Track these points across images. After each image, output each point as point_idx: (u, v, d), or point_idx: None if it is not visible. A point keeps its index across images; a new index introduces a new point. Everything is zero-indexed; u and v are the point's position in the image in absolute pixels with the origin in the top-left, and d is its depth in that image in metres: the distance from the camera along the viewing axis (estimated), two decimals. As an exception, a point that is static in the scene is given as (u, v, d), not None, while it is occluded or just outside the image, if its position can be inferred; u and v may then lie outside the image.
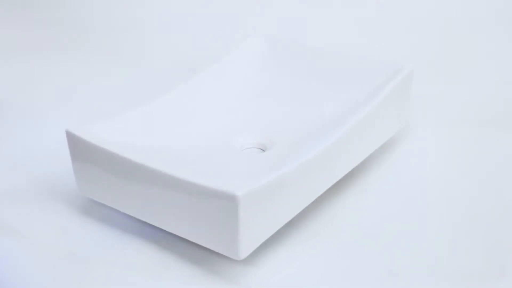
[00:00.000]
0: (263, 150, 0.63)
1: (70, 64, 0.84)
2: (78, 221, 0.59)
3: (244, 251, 0.50)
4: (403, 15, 0.89)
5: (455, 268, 0.54)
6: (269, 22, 0.89)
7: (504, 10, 0.88)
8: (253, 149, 0.63)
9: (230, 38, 0.87)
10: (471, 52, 0.84)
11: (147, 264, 0.54)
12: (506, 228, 0.58)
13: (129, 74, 0.82)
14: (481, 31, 0.87)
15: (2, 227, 0.58)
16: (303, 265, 0.55)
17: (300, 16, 0.90)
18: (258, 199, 0.49)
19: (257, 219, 0.50)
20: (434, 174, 0.64)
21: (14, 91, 0.79)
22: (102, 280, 0.53)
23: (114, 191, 0.56)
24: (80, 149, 0.56)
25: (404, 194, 0.62)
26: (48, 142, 0.69)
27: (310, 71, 0.68)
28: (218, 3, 0.92)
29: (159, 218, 0.54)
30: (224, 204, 0.48)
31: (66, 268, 0.54)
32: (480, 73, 0.81)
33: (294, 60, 0.69)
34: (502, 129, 0.71)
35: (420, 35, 0.87)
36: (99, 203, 0.60)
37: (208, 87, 0.66)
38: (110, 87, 0.79)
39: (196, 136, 0.63)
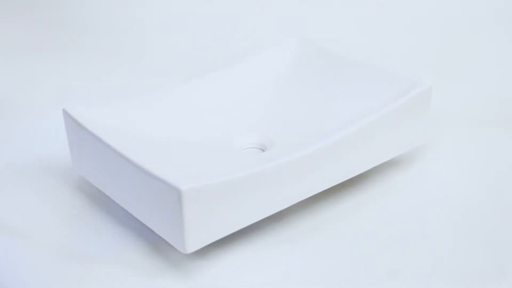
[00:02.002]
0: (263, 151, 0.63)
1: (70, 64, 0.84)
2: (73, 207, 0.60)
3: (191, 246, 0.51)
4: (403, 15, 0.89)
5: (455, 268, 0.54)
6: (269, 22, 0.89)
7: (504, 10, 0.88)
8: (253, 149, 0.63)
9: (230, 38, 0.87)
10: (471, 52, 0.84)
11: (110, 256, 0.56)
12: (507, 228, 0.58)
13: (129, 74, 0.82)
14: (481, 31, 0.87)
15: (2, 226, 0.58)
16: (275, 265, 0.55)
17: (300, 15, 0.90)
18: (207, 197, 0.51)
19: (206, 217, 0.51)
20: (432, 174, 0.64)
21: (14, 91, 0.79)
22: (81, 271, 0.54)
23: (95, 170, 0.58)
24: (71, 128, 0.59)
25: (404, 193, 0.62)
26: (48, 141, 0.69)
27: (333, 77, 0.67)
28: (218, 3, 0.92)
29: (128, 202, 0.56)
30: (171, 196, 0.50)
31: (53, 259, 0.55)
32: (480, 73, 0.81)
33: (319, 65, 0.68)
34: (502, 129, 0.71)
35: (420, 35, 0.87)
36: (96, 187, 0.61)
37: (223, 84, 0.67)
38: (110, 87, 0.79)
39: (195, 131, 0.63)
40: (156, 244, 0.56)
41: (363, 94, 0.64)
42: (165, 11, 0.92)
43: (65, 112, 0.59)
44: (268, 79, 0.68)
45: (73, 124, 0.58)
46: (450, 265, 0.54)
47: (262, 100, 0.67)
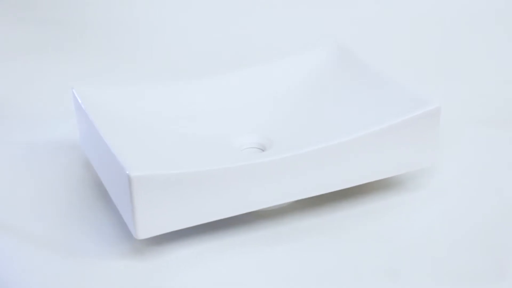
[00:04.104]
0: (263, 150, 0.63)
1: (69, 64, 0.84)
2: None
3: (142, 232, 0.53)
4: (403, 15, 0.89)
5: (455, 268, 0.54)
6: (266, 22, 0.89)
7: (504, 10, 0.88)
8: (252, 149, 0.63)
9: (230, 38, 0.87)
10: (471, 52, 0.84)
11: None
12: (507, 229, 0.58)
13: (129, 74, 0.82)
14: (481, 31, 0.87)
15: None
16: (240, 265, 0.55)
17: (298, 16, 0.90)
18: (158, 187, 0.52)
19: (159, 206, 0.52)
20: (432, 174, 0.64)
21: (14, 91, 0.79)
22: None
23: (88, 147, 0.62)
24: (76, 107, 0.62)
25: (404, 193, 0.62)
26: (48, 141, 0.69)
27: (353, 86, 0.65)
28: (217, 3, 0.92)
29: (106, 180, 0.58)
30: (125, 181, 0.51)
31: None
32: (480, 73, 0.81)
33: (344, 72, 0.67)
34: (502, 128, 0.71)
35: (420, 35, 0.87)
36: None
37: (237, 85, 0.68)
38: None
39: (197, 126, 0.64)
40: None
41: (377, 107, 0.62)
42: (165, 11, 0.92)
43: (73, 92, 0.62)
44: (290, 82, 0.68)
45: (76, 103, 0.62)
46: (450, 265, 0.54)
47: (276, 101, 0.67)
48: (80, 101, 0.61)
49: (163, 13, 0.91)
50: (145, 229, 0.52)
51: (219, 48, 0.86)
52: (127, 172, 0.51)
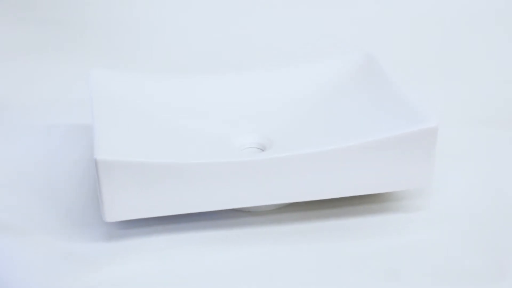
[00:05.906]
0: (263, 150, 0.63)
1: (69, 64, 0.84)
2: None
3: (110, 216, 0.54)
4: (403, 15, 0.89)
5: (455, 268, 0.54)
6: (266, 22, 0.89)
7: (504, 10, 0.88)
8: (252, 149, 0.63)
9: (230, 38, 0.87)
10: (471, 52, 0.84)
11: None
12: (507, 229, 0.58)
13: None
14: (481, 31, 0.87)
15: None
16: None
17: (298, 16, 0.90)
18: (124, 173, 0.53)
19: (126, 192, 0.54)
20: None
21: (14, 91, 0.79)
22: None
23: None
24: (88, 92, 0.64)
25: (404, 193, 0.62)
26: (47, 141, 0.69)
27: (362, 97, 0.64)
28: (217, 3, 0.92)
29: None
30: (94, 164, 0.53)
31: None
32: (480, 73, 0.81)
33: (357, 82, 0.66)
34: (502, 129, 0.71)
35: (420, 35, 0.87)
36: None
37: (252, 84, 0.68)
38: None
39: (200, 122, 0.64)
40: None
41: (379, 120, 0.61)
42: (165, 11, 0.92)
43: (89, 75, 0.64)
44: (298, 87, 0.68)
45: (88, 88, 0.63)
46: (450, 265, 0.54)
47: (281, 105, 0.67)
48: (91, 84, 0.62)
49: (163, 13, 0.91)
50: (112, 213, 0.54)
51: (219, 48, 0.86)
52: (95, 155, 0.52)
